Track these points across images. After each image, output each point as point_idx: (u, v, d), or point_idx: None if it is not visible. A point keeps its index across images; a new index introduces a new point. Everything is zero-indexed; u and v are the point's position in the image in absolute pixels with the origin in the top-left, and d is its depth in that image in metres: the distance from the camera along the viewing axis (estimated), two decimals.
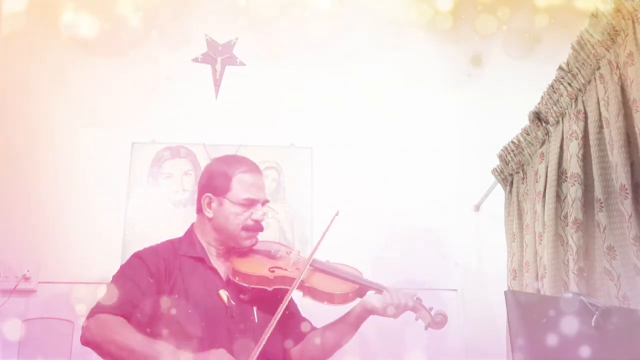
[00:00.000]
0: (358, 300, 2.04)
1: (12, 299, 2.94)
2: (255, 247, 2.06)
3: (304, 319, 2.14)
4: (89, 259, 3.04)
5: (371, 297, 2.01)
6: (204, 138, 3.32)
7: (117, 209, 3.18)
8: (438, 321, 2.02)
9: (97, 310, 1.81)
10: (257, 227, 2.03)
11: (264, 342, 1.76)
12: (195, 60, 3.48)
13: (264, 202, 2.06)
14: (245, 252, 2.04)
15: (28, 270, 3.01)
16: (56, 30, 3.39)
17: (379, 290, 2.02)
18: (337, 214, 2.10)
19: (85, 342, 1.79)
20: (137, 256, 1.98)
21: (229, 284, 1.98)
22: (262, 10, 3.52)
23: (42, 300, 2.98)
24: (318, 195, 3.28)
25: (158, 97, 3.38)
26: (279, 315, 1.82)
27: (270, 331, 1.78)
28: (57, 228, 3.13)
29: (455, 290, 3.17)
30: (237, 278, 1.95)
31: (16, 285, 2.98)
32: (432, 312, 2.02)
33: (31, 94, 3.34)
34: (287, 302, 1.86)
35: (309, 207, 3.27)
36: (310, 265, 2.01)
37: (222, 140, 3.32)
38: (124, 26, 3.42)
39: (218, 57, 3.48)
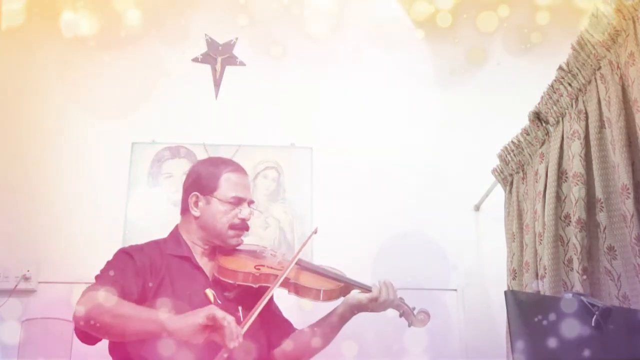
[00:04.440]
0: (342, 299, 2.07)
1: (12, 299, 2.94)
2: (239, 248, 2.09)
3: (286, 320, 2.17)
4: (89, 259, 3.01)
5: (355, 293, 2.05)
6: (204, 138, 3.32)
7: (117, 209, 3.17)
8: (421, 319, 2.08)
9: (86, 291, 1.78)
10: (243, 225, 2.06)
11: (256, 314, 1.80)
12: (195, 60, 3.48)
13: (250, 202, 2.08)
14: (231, 251, 2.07)
15: (28, 270, 3.01)
16: (56, 30, 3.38)
17: (364, 289, 2.06)
18: (315, 232, 2.24)
19: (78, 321, 1.72)
20: (124, 251, 1.98)
21: (215, 283, 1.99)
22: (262, 10, 3.52)
23: (42, 300, 2.98)
24: (318, 195, 3.28)
25: (158, 97, 3.38)
26: (264, 301, 1.83)
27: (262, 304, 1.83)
28: (57, 228, 3.13)
29: (455, 290, 3.17)
30: (223, 275, 1.97)
31: (16, 285, 2.98)
32: (415, 311, 2.07)
33: (31, 94, 3.34)
34: (271, 293, 1.89)
35: (309, 207, 3.26)
36: (296, 264, 2.03)
37: (222, 140, 3.32)
38: (124, 26, 3.42)
39: (218, 57, 3.48)
